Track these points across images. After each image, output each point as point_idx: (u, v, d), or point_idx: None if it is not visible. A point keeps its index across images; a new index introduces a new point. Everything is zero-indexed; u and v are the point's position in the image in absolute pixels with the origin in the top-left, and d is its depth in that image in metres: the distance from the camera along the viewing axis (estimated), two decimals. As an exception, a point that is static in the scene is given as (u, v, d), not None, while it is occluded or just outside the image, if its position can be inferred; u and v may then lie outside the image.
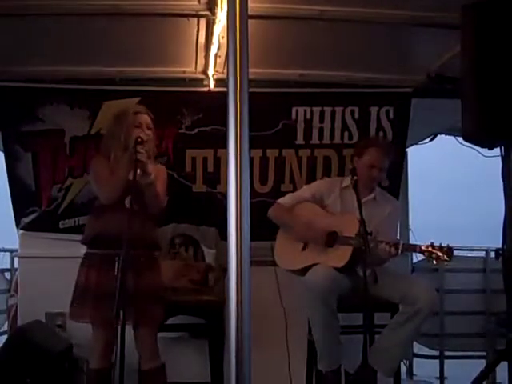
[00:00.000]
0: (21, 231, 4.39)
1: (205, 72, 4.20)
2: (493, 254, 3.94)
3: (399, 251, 3.37)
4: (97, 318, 3.08)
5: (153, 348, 3.23)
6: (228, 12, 1.64)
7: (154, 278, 3.25)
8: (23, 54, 3.88)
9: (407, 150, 4.79)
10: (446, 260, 3.30)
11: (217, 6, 3.13)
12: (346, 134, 4.47)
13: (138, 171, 3.07)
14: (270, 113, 4.36)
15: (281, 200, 3.81)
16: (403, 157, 4.64)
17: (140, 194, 3.16)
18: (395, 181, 4.46)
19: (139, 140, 3.11)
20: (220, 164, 4.36)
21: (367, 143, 3.84)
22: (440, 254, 3.27)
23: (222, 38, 3.39)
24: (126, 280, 2.95)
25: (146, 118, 3.29)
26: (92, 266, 3.15)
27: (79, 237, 4.27)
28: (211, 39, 3.55)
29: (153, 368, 3.21)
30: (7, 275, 5.70)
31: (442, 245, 3.28)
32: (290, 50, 3.94)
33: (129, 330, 3.19)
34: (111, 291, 2.86)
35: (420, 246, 3.37)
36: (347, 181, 3.68)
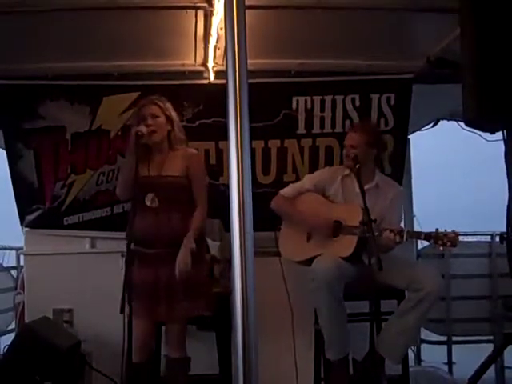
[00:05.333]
0: (25, 229, 4.40)
1: (204, 64, 4.19)
2: (498, 239, 3.93)
3: (404, 239, 3.37)
4: (137, 313, 3.16)
5: (180, 340, 3.34)
6: (225, 3, 1.63)
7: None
8: (21, 51, 3.87)
9: (410, 136, 4.77)
10: (451, 246, 3.30)
11: (214, -3, 3.13)
12: (348, 122, 4.45)
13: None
14: (270, 103, 4.35)
15: (283, 191, 3.80)
16: (405, 144, 4.62)
17: (161, 189, 3.26)
18: (398, 168, 4.45)
19: (140, 134, 3.24)
20: (222, 156, 4.35)
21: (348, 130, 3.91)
22: (445, 240, 3.27)
23: (221, 29, 3.37)
24: (159, 276, 3.24)
25: (150, 109, 3.35)
26: (130, 264, 3.23)
27: (83, 233, 4.35)
28: (210, 31, 3.54)
29: (180, 358, 3.33)
30: (13, 273, 5.72)
31: (447, 231, 3.28)
32: (288, 40, 3.92)
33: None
34: (149, 287, 3.21)
35: (425, 233, 3.37)
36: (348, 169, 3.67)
